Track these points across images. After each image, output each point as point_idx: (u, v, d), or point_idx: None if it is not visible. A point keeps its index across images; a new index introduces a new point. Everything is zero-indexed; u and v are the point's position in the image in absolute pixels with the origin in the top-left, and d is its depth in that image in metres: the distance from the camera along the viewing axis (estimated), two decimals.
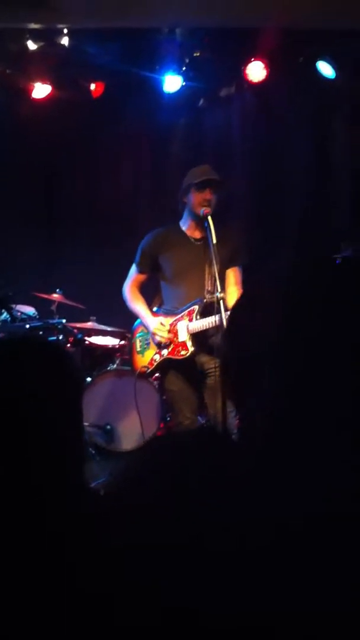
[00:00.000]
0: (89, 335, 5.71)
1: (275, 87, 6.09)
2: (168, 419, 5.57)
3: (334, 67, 5.76)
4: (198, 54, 5.97)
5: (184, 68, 6.04)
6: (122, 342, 5.78)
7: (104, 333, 5.88)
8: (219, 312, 3.65)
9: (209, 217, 3.84)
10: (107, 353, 5.72)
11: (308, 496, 0.80)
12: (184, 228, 4.10)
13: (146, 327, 4.17)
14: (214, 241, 3.78)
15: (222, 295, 3.68)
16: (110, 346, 5.75)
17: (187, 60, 6.00)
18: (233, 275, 4.04)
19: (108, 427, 5.37)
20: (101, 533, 1.36)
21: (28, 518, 1.29)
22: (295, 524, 0.78)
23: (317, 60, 5.80)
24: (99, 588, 1.04)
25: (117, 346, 5.74)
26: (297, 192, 6.35)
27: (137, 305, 4.22)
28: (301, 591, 0.75)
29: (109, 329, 5.83)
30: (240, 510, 0.81)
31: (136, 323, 4.37)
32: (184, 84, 6.13)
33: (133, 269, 4.25)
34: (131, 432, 5.43)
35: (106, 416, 5.40)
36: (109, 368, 5.54)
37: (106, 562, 1.26)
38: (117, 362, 5.62)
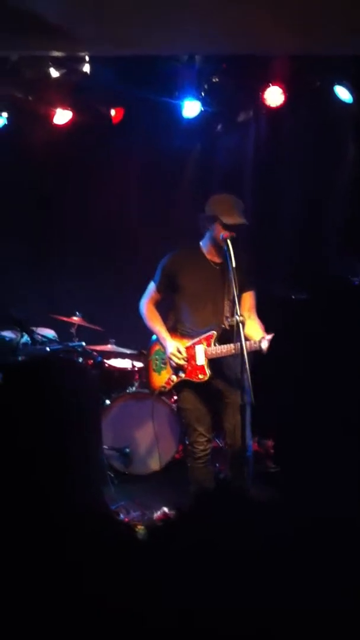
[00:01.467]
0: (108, 358, 5.73)
1: (292, 112, 6.13)
2: (187, 442, 5.57)
3: (351, 92, 5.79)
4: (216, 80, 6.04)
5: (202, 94, 6.11)
6: (141, 365, 5.80)
7: (122, 356, 5.91)
8: (238, 334, 3.63)
9: (229, 241, 3.84)
10: (126, 375, 5.74)
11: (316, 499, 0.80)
12: (204, 251, 4.12)
13: (163, 347, 4.18)
14: (234, 265, 3.78)
15: (241, 318, 3.67)
16: (129, 369, 5.77)
17: (205, 86, 6.07)
18: (248, 300, 4.08)
19: (127, 450, 5.37)
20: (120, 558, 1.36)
21: (44, 534, 1.30)
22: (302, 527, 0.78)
23: (334, 84, 5.84)
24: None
25: (136, 369, 5.75)
26: (314, 216, 6.37)
27: (155, 324, 4.22)
28: (305, 590, 0.75)
29: (127, 351, 5.85)
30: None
31: (153, 339, 4.38)
32: (202, 109, 6.19)
33: (151, 286, 4.27)
34: (149, 455, 5.43)
35: (125, 439, 5.40)
36: (127, 391, 5.56)
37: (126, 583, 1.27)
38: (136, 384, 5.64)
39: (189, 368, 4.05)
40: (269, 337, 3.73)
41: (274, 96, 5.98)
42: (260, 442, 5.53)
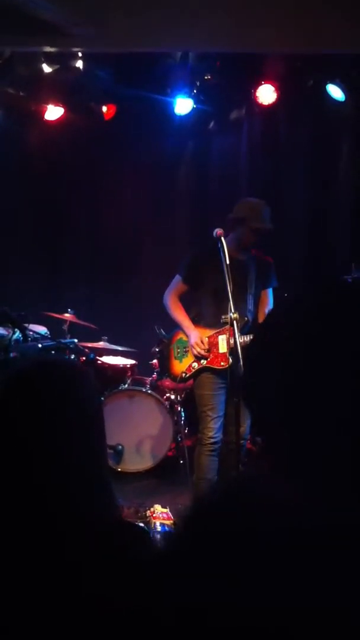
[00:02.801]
0: (101, 355, 5.72)
1: (285, 110, 6.15)
2: (179, 439, 5.57)
3: (343, 90, 5.82)
4: (209, 78, 6.05)
5: (194, 91, 6.12)
6: (133, 362, 5.80)
7: (115, 353, 5.90)
8: (233, 332, 3.78)
9: (222, 239, 3.92)
10: (118, 373, 5.73)
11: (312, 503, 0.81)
12: (227, 248, 4.19)
13: (187, 336, 4.30)
14: (227, 262, 3.85)
15: (235, 315, 3.80)
16: (121, 366, 5.76)
17: (198, 84, 6.09)
18: (266, 297, 4.29)
19: (119, 447, 5.36)
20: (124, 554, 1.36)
21: (47, 536, 1.29)
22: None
23: (327, 83, 5.86)
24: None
25: (128, 366, 5.75)
26: (306, 214, 6.39)
27: (179, 314, 4.35)
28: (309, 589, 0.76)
29: (120, 348, 5.85)
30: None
31: (174, 329, 4.51)
32: (194, 106, 6.20)
33: (177, 279, 4.36)
34: (142, 452, 5.43)
35: (117, 436, 5.39)
36: (120, 388, 5.55)
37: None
38: (128, 382, 5.63)
39: (212, 356, 4.18)
40: None
41: (266, 94, 6.01)
42: (253, 440, 5.53)
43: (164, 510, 4.38)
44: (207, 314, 4.27)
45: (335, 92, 5.86)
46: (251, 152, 6.53)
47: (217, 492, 0.86)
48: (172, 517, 4.28)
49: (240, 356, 3.71)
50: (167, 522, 4.20)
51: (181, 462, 5.43)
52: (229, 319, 3.81)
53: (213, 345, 4.19)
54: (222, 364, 4.15)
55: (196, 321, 4.33)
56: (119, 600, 1.20)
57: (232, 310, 3.80)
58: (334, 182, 6.22)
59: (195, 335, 4.23)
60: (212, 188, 6.38)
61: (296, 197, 6.36)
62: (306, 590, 0.75)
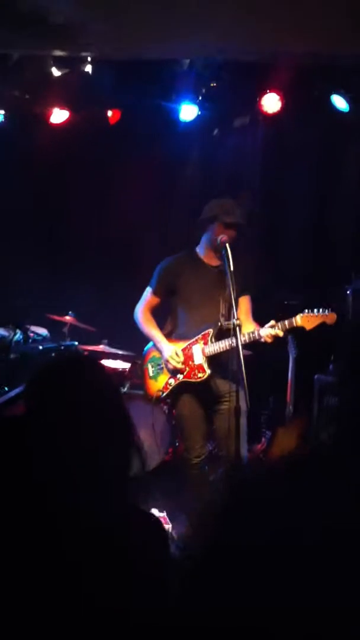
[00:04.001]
0: (100, 359, 5.73)
1: (289, 119, 6.18)
2: (177, 444, 5.58)
3: (347, 101, 5.85)
4: (214, 85, 6.08)
5: (200, 98, 6.15)
6: (132, 367, 5.81)
7: (114, 356, 5.91)
8: (235, 338, 3.66)
9: (227, 245, 3.88)
10: (118, 376, 5.74)
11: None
12: (200, 255, 4.13)
13: (160, 352, 4.16)
14: (231, 269, 3.82)
15: (238, 322, 3.70)
16: (120, 369, 5.77)
17: (203, 90, 6.11)
18: (244, 305, 4.09)
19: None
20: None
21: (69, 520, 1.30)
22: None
23: (331, 93, 5.89)
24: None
25: (128, 370, 5.76)
26: (308, 221, 6.42)
27: (151, 329, 4.21)
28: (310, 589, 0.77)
29: (119, 352, 5.86)
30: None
31: (147, 347, 4.37)
32: (199, 113, 6.23)
33: (148, 291, 4.26)
34: (140, 456, 5.43)
35: None
36: None
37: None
38: (127, 385, 5.64)
39: (187, 369, 4.04)
40: (271, 324, 3.75)
41: (271, 103, 6.02)
42: (250, 447, 5.54)
43: (161, 514, 4.39)
44: (180, 325, 4.16)
45: (339, 102, 5.89)
46: (255, 160, 6.56)
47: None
48: (169, 522, 4.29)
49: (242, 360, 3.58)
50: (165, 526, 4.20)
51: (178, 466, 5.44)
52: (231, 325, 3.74)
53: (188, 357, 4.04)
54: (199, 375, 4.00)
55: (171, 334, 4.20)
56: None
57: (235, 317, 3.70)
58: (338, 192, 6.25)
59: (168, 350, 4.06)
60: (215, 194, 6.39)
61: (300, 206, 6.39)
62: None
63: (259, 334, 3.77)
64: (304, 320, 3.75)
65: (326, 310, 3.78)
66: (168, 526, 4.23)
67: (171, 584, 1.32)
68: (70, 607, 1.24)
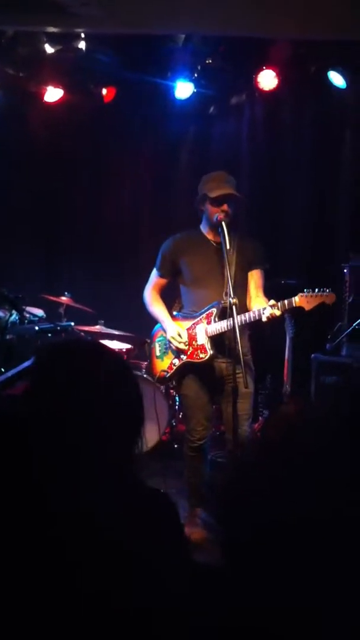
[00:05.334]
0: (97, 339, 5.72)
1: (286, 96, 6.14)
2: (174, 423, 5.59)
3: (345, 77, 5.80)
4: (210, 62, 6.01)
5: (195, 75, 6.09)
6: (130, 347, 5.80)
7: (111, 337, 5.90)
8: (232, 318, 3.65)
9: (223, 224, 3.84)
10: None
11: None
12: (204, 232, 4.11)
13: (165, 332, 4.15)
14: (228, 247, 3.79)
15: (235, 300, 3.68)
16: (117, 350, 5.76)
17: (198, 68, 6.05)
18: (254, 279, 4.04)
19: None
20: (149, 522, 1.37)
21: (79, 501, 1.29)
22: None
23: (328, 70, 5.84)
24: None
25: (125, 350, 5.75)
26: (305, 200, 6.39)
27: (157, 309, 4.19)
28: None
29: (116, 332, 5.85)
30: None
31: (156, 327, 4.33)
32: (195, 90, 6.18)
33: (154, 273, 4.22)
34: None
35: None
36: None
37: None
38: None
39: (190, 349, 4.01)
40: (271, 303, 3.69)
41: (267, 80, 5.98)
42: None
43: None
44: (186, 304, 4.14)
45: (336, 79, 5.84)
46: (251, 137, 6.52)
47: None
48: None
49: (239, 339, 3.56)
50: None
51: (175, 446, 5.46)
52: (227, 303, 3.71)
53: (191, 337, 4.01)
54: (200, 355, 3.96)
55: (177, 314, 4.20)
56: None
57: (232, 295, 3.67)
58: (335, 169, 6.20)
59: (171, 330, 4.05)
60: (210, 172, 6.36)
61: (296, 183, 6.36)
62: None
63: (259, 314, 3.71)
64: (303, 300, 3.70)
65: (325, 290, 3.74)
66: None
67: (186, 564, 1.32)
68: (76, 602, 1.23)
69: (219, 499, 0.87)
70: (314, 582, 0.76)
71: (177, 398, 5.51)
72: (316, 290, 3.72)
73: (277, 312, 3.69)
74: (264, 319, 3.70)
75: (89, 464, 1.33)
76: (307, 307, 3.71)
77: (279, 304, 3.70)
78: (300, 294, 3.71)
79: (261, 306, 3.79)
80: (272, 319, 3.70)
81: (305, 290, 3.73)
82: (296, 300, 3.70)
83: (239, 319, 3.73)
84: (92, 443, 1.34)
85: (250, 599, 0.78)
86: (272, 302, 3.72)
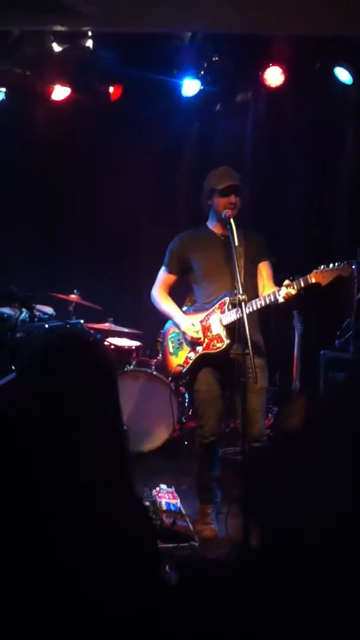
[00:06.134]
0: (106, 336, 5.75)
1: (292, 93, 6.13)
2: (184, 420, 5.61)
3: (351, 73, 5.79)
4: (216, 59, 6.01)
5: (202, 72, 6.09)
6: (138, 344, 5.82)
7: (120, 334, 5.92)
8: (241, 313, 3.65)
9: (232, 220, 3.87)
10: (124, 354, 5.76)
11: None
12: (211, 227, 4.13)
13: (177, 327, 4.15)
14: (236, 243, 3.82)
15: (244, 297, 3.69)
16: (126, 347, 5.79)
17: (205, 65, 6.05)
18: (264, 270, 4.08)
19: (124, 427, 5.38)
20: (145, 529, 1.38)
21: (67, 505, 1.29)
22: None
23: (334, 66, 5.83)
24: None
25: (134, 347, 5.78)
26: (311, 197, 6.39)
27: (167, 305, 4.20)
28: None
29: (125, 330, 5.87)
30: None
31: (166, 325, 4.34)
32: (201, 88, 6.18)
33: (162, 271, 4.24)
34: (147, 433, 5.47)
35: (122, 417, 5.43)
36: (125, 369, 5.58)
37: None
38: (134, 363, 5.66)
39: (206, 340, 4.01)
40: (286, 283, 3.68)
41: (273, 76, 5.97)
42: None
43: (169, 489, 4.43)
44: (197, 298, 4.17)
45: (342, 75, 5.83)
46: (257, 134, 6.51)
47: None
48: (177, 496, 4.33)
49: (248, 335, 3.55)
50: (172, 500, 4.25)
51: (185, 443, 5.48)
52: (237, 299, 3.71)
53: (206, 328, 4.02)
54: (217, 345, 3.96)
55: (188, 309, 4.22)
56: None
57: (241, 292, 3.68)
58: (340, 165, 6.20)
59: (184, 322, 4.06)
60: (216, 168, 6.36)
61: (302, 180, 6.36)
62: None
63: (275, 296, 3.69)
64: (319, 276, 3.64)
65: (341, 264, 3.70)
66: (176, 500, 4.26)
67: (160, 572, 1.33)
68: (69, 604, 1.24)
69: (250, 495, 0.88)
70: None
71: (186, 395, 5.52)
72: (330, 265, 3.68)
73: (293, 291, 3.66)
74: (281, 299, 3.68)
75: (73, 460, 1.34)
76: (324, 282, 3.65)
77: (294, 282, 3.68)
78: (315, 270, 3.67)
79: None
80: (289, 298, 3.67)
81: (319, 266, 3.69)
82: (311, 278, 3.66)
83: (255, 304, 3.76)
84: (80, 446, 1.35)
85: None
86: (287, 281, 3.70)
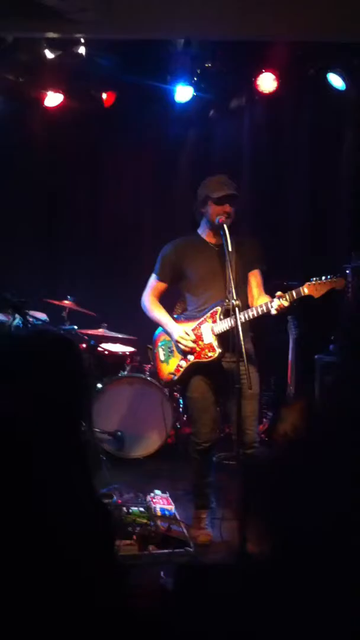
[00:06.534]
0: (100, 342, 5.74)
1: (285, 99, 6.15)
2: (179, 426, 5.60)
3: (344, 79, 5.82)
4: (209, 65, 6.03)
5: (195, 79, 6.11)
6: (132, 350, 5.82)
7: (114, 340, 5.92)
8: (235, 319, 3.62)
9: (225, 226, 3.86)
10: (118, 360, 5.75)
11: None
12: (203, 236, 4.12)
13: (169, 335, 4.13)
14: (230, 249, 3.80)
15: (237, 302, 3.66)
16: (120, 353, 5.78)
17: (198, 71, 6.07)
18: (254, 279, 4.06)
19: (119, 433, 5.39)
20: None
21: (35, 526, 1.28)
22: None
23: (327, 72, 5.86)
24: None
25: (128, 353, 5.77)
26: (306, 202, 6.41)
27: (159, 313, 4.17)
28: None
29: (119, 336, 5.87)
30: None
31: (157, 332, 4.31)
32: (194, 94, 6.19)
33: (153, 278, 4.21)
34: (142, 439, 5.46)
35: (117, 423, 5.43)
36: (120, 375, 5.57)
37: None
38: (128, 369, 5.66)
39: (197, 349, 3.99)
40: (278, 294, 3.67)
41: (267, 82, 6.00)
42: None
43: (164, 495, 4.42)
44: (189, 306, 4.14)
45: (335, 80, 5.86)
46: (251, 140, 6.54)
47: None
48: (172, 502, 4.32)
49: (242, 342, 3.51)
50: (167, 506, 4.24)
51: (180, 448, 5.47)
52: (230, 305, 3.69)
53: (197, 337, 3.99)
54: (209, 354, 3.95)
55: (179, 316, 4.20)
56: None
57: (234, 297, 3.65)
58: (335, 171, 6.22)
59: (177, 330, 4.02)
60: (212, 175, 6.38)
61: (296, 185, 6.38)
62: None
63: (268, 307, 3.68)
64: (312, 288, 3.64)
65: (334, 276, 3.68)
66: (171, 506, 4.25)
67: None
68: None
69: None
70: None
71: (180, 401, 5.52)
72: (323, 277, 3.68)
73: (286, 303, 3.64)
74: (273, 311, 3.67)
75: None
76: (317, 294, 3.65)
77: (287, 294, 3.68)
78: (308, 282, 3.67)
79: (264, 301, 3.78)
80: (281, 309, 3.66)
81: (313, 278, 3.69)
82: (304, 289, 3.66)
83: (247, 314, 3.75)
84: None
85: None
86: (279, 293, 3.69)
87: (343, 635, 0.76)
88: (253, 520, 0.88)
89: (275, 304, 3.66)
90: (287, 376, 5.38)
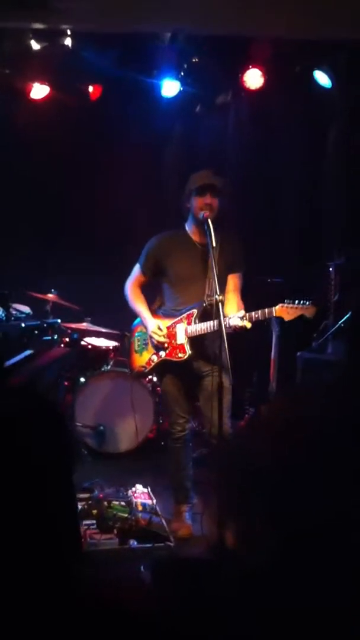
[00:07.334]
0: (84, 336, 5.73)
1: (271, 95, 6.15)
2: (161, 421, 5.60)
3: (330, 77, 5.83)
4: (196, 60, 6.02)
5: (181, 73, 6.09)
6: (116, 344, 5.81)
7: (97, 334, 5.90)
8: (217, 313, 3.64)
9: (209, 221, 3.86)
10: (101, 354, 5.74)
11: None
12: (189, 232, 4.12)
13: (145, 328, 4.19)
14: (214, 244, 3.80)
15: (220, 297, 3.67)
16: (104, 347, 5.77)
17: (185, 66, 6.05)
18: (232, 282, 4.07)
19: (101, 428, 5.38)
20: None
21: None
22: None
23: (313, 69, 5.86)
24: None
25: (111, 347, 5.76)
26: (292, 200, 6.42)
27: (138, 304, 4.24)
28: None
29: (103, 330, 5.85)
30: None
31: (136, 322, 4.39)
32: (181, 89, 6.17)
33: (136, 268, 4.26)
34: (123, 434, 5.45)
35: (99, 417, 5.42)
36: (102, 369, 5.56)
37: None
38: (111, 363, 5.65)
39: (170, 347, 4.06)
40: (240, 314, 3.70)
41: (253, 79, 5.98)
42: (233, 424, 5.57)
43: (145, 489, 4.43)
44: (167, 302, 4.18)
45: (322, 78, 5.86)
46: (237, 135, 6.53)
47: None
48: (152, 497, 4.33)
49: (224, 336, 3.51)
50: (148, 501, 4.25)
51: (162, 443, 5.47)
52: (214, 300, 3.70)
53: (171, 335, 4.05)
54: (179, 355, 4.01)
55: (158, 310, 4.23)
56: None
57: (218, 293, 3.66)
58: (321, 168, 6.24)
59: (152, 324, 4.09)
60: (198, 171, 6.37)
61: (283, 182, 6.38)
62: None
63: (227, 324, 3.69)
64: (284, 311, 3.69)
65: (306, 302, 3.72)
66: (152, 501, 4.26)
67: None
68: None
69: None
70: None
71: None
72: (296, 301, 3.70)
73: (248, 325, 3.68)
74: (230, 330, 3.69)
75: None
76: (287, 317, 3.71)
77: (260, 312, 3.71)
78: (281, 304, 3.71)
79: (232, 309, 3.86)
80: (240, 330, 3.68)
81: (286, 300, 3.72)
82: (276, 309, 3.71)
83: (205, 325, 3.83)
84: None
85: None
86: (242, 312, 3.72)
87: (343, 635, 0.76)
88: (230, 510, 0.87)
89: (233, 322, 3.68)
90: (269, 373, 5.40)
